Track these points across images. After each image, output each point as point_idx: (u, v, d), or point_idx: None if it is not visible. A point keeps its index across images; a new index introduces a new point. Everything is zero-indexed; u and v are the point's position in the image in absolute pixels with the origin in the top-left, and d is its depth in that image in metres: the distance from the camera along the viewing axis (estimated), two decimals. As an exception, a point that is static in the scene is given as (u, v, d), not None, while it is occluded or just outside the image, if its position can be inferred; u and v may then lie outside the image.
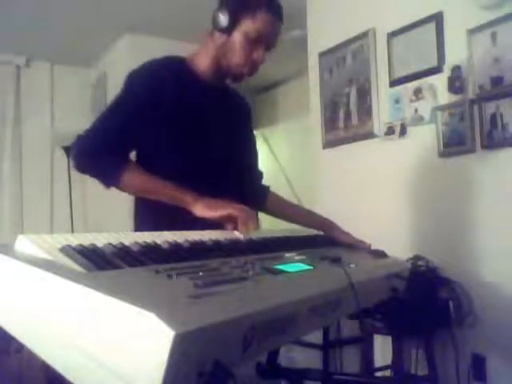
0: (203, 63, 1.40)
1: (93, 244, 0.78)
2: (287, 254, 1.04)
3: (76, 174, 1.29)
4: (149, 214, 1.35)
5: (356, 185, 2.95)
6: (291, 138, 4.86)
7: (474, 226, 2.32)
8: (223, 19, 1.31)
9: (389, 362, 2.48)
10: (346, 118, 3.03)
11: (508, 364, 2.18)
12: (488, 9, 2.26)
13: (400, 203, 2.68)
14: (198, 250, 0.92)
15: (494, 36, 2.25)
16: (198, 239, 0.99)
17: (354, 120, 2.97)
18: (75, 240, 0.78)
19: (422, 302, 2.11)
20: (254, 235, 1.15)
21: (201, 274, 0.73)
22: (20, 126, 4.30)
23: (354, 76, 2.98)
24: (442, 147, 2.46)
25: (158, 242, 0.90)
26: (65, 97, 4.48)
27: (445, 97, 2.45)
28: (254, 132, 1.66)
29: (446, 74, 2.45)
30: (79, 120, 4.33)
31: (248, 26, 1.30)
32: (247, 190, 1.52)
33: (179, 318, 0.53)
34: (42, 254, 0.71)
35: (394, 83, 2.73)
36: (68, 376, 0.60)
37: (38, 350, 0.64)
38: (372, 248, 1.43)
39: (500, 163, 2.23)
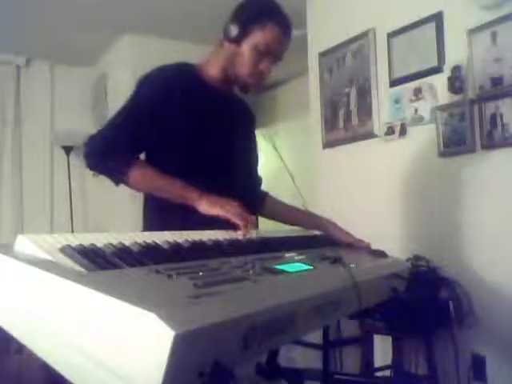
0: (212, 71, 1.44)
1: (93, 244, 0.78)
2: (287, 254, 1.04)
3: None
4: (158, 214, 1.39)
5: (356, 185, 2.95)
6: (291, 138, 4.86)
7: (474, 226, 2.32)
8: (234, 30, 1.35)
9: (389, 361, 2.49)
10: (346, 118, 3.03)
11: (508, 364, 2.18)
12: (488, 9, 2.26)
13: (400, 203, 2.68)
14: (198, 250, 0.92)
15: (493, 36, 2.25)
16: (197, 239, 0.99)
17: (354, 120, 2.97)
18: (75, 240, 0.78)
19: (422, 301, 2.11)
20: (254, 235, 1.15)
21: (201, 274, 0.73)
22: (20, 126, 4.29)
23: (354, 76, 2.98)
24: (442, 147, 2.46)
25: (158, 242, 0.90)
26: (65, 97, 4.48)
27: (445, 97, 2.45)
28: (256, 132, 1.67)
29: (445, 74, 2.45)
30: (79, 120, 4.35)
31: (257, 38, 1.34)
32: (245, 194, 1.54)
33: (179, 317, 0.53)
34: (41, 254, 0.71)
35: (394, 83, 2.73)
36: (68, 376, 0.60)
37: (37, 350, 0.64)
38: (372, 248, 1.43)
39: (500, 163, 2.23)
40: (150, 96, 1.35)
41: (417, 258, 2.37)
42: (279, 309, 0.70)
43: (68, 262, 0.70)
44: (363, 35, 2.91)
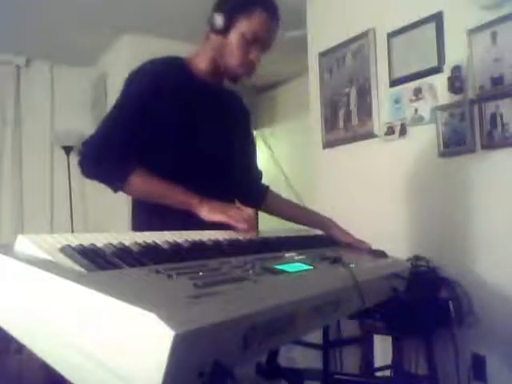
0: (201, 64, 1.40)
1: (93, 244, 0.78)
2: (287, 254, 1.04)
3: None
4: (145, 216, 1.36)
5: (356, 185, 2.95)
6: (291, 138, 4.86)
7: (474, 226, 2.32)
8: (219, 20, 1.31)
9: (389, 361, 2.49)
10: (346, 118, 3.03)
11: (508, 364, 2.18)
12: (488, 9, 2.26)
13: (400, 203, 2.68)
14: (197, 250, 0.92)
15: (493, 36, 2.25)
16: (197, 239, 0.99)
17: (354, 120, 2.97)
18: (75, 240, 0.78)
19: (422, 302, 2.11)
20: (254, 235, 1.15)
21: (201, 274, 0.73)
22: (20, 126, 4.30)
23: (354, 76, 2.98)
24: (442, 147, 2.46)
25: (158, 242, 0.90)
26: (65, 97, 4.48)
27: (445, 97, 2.45)
28: (254, 132, 1.67)
29: (445, 74, 2.45)
30: (79, 120, 4.35)
31: (244, 26, 1.30)
32: (245, 189, 1.53)
33: (179, 318, 0.53)
34: (41, 254, 0.71)
35: (394, 83, 2.73)
36: (68, 376, 0.60)
37: (37, 350, 0.64)
38: (372, 248, 1.43)
39: (500, 163, 2.23)
40: (139, 92, 1.31)
41: (417, 258, 2.37)
42: (279, 309, 0.70)
43: (68, 262, 0.70)
44: (363, 35, 2.91)
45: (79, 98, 4.47)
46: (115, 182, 1.27)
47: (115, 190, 1.29)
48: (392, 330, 2.27)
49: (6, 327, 0.68)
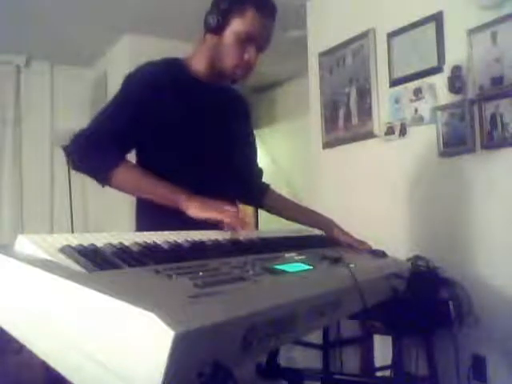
0: (198, 65, 1.40)
1: (93, 244, 0.78)
2: (287, 254, 1.04)
3: (76, 174, 1.29)
4: (149, 216, 1.35)
5: (356, 185, 2.94)
6: (291, 138, 4.86)
7: (474, 226, 2.32)
8: (214, 21, 1.30)
9: (389, 361, 2.48)
10: (346, 118, 3.03)
11: (508, 364, 2.18)
12: (488, 9, 2.26)
13: (400, 203, 2.68)
14: (198, 250, 0.92)
15: (494, 36, 2.25)
16: (197, 239, 0.99)
17: (354, 120, 2.97)
18: (75, 240, 0.77)
19: (422, 302, 2.11)
20: (254, 236, 1.15)
21: (201, 273, 0.73)
22: (20, 126, 4.30)
23: (354, 76, 2.98)
24: (442, 147, 2.46)
25: (158, 242, 0.90)
26: (65, 97, 4.48)
27: (445, 97, 2.45)
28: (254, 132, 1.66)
29: (446, 73, 2.45)
30: (79, 120, 4.31)
31: (237, 26, 1.29)
32: (245, 187, 1.53)
33: (179, 317, 0.53)
34: (41, 254, 0.71)
35: (394, 83, 2.73)
36: (68, 376, 0.60)
37: (37, 350, 0.64)
38: (372, 248, 1.43)
39: (500, 163, 2.23)
40: (137, 91, 1.30)
41: (417, 257, 2.37)
42: (279, 309, 0.70)
43: (68, 262, 0.70)
44: (363, 35, 2.91)
45: (79, 97, 4.47)
46: (99, 174, 1.24)
47: (102, 184, 1.26)
48: (392, 330, 2.27)
49: (6, 327, 0.68)
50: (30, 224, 4.19)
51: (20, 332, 0.67)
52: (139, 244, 0.85)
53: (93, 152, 1.23)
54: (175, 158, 1.33)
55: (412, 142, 2.62)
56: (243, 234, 1.10)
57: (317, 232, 1.52)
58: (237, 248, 1.01)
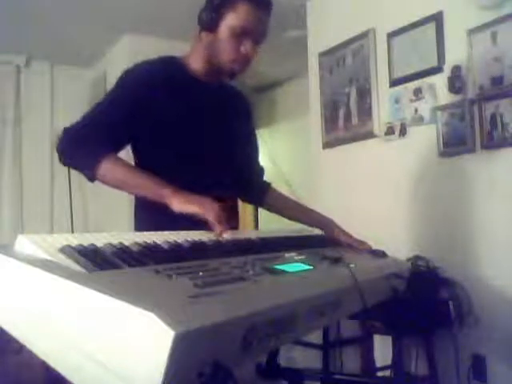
0: (195, 64, 1.39)
1: (93, 244, 0.78)
2: (287, 254, 1.04)
3: (76, 174, 1.28)
4: (148, 215, 1.34)
5: (356, 185, 2.94)
6: (291, 138, 4.86)
7: (475, 226, 2.32)
8: (207, 17, 1.30)
9: (389, 361, 2.48)
10: (346, 118, 3.03)
11: (508, 364, 2.18)
12: (488, 9, 2.26)
13: (400, 203, 2.68)
14: (198, 250, 0.92)
15: (494, 36, 2.25)
16: (197, 239, 0.99)
17: (354, 120, 2.97)
18: (75, 240, 0.77)
19: (422, 302, 2.11)
20: (254, 235, 1.15)
21: (201, 273, 0.73)
22: (20, 126, 4.30)
23: (354, 76, 2.98)
24: (442, 147, 2.46)
25: (158, 242, 0.90)
26: (65, 97, 4.48)
27: (445, 97, 2.45)
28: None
29: (446, 73, 2.45)
30: (79, 120, 4.35)
31: (231, 20, 1.28)
32: (246, 185, 1.52)
33: (179, 317, 0.53)
34: (41, 254, 0.71)
35: (394, 83, 2.73)
36: (68, 376, 0.60)
37: (37, 350, 0.64)
38: (372, 248, 1.43)
39: (500, 163, 2.23)
40: (133, 87, 1.30)
41: (417, 257, 2.37)
42: (279, 309, 0.70)
43: (68, 262, 0.69)
44: (363, 35, 2.91)
45: (79, 97, 4.47)
46: (85, 168, 1.23)
47: (89, 179, 1.24)
48: (392, 330, 2.27)
49: (6, 327, 0.68)
50: (29, 224, 4.19)
51: (20, 332, 0.67)
52: (139, 244, 0.85)
53: (80, 146, 1.22)
54: (172, 157, 1.33)
55: (412, 142, 2.62)
56: (225, 236, 1.07)
57: (317, 232, 1.52)
58: (237, 248, 1.01)
